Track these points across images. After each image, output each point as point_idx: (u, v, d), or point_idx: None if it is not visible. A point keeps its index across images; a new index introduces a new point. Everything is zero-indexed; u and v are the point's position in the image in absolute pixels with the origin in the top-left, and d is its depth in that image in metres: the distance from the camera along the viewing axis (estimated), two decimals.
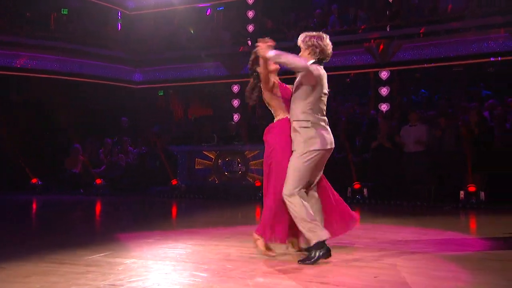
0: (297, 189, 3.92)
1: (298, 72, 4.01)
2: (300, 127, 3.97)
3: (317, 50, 4.03)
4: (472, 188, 8.20)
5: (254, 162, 10.39)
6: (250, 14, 14.34)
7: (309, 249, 3.92)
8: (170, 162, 11.20)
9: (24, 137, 12.24)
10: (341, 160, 9.63)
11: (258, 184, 9.88)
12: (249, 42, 14.13)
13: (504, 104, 10.11)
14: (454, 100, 11.26)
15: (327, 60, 4.13)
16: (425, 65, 12.01)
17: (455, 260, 4.14)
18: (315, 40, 4.05)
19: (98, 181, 11.29)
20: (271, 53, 3.89)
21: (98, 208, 9.25)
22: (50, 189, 11.57)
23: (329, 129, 4.07)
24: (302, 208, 3.89)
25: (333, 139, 4.09)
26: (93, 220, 7.89)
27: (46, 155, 12.24)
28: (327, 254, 3.89)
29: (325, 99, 4.08)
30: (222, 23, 15.52)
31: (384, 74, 12.33)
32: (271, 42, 3.98)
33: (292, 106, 4.06)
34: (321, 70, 4.04)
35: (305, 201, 3.97)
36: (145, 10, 15.46)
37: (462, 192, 8.27)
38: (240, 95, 14.23)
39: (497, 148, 8.78)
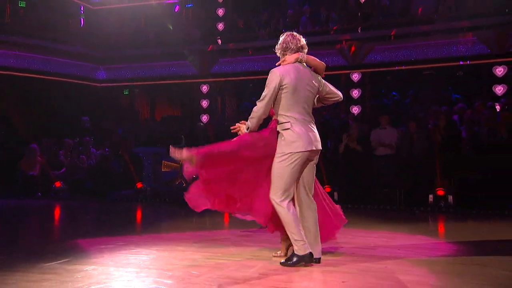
0: (284, 194, 3.95)
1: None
2: (281, 129, 4.01)
3: (294, 46, 4.11)
4: (441, 192, 8.42)
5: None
6: (220, 12, 14.33)
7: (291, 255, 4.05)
8: (135, 165, 11.06)
9: None
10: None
11: None
12: (219, 41, 14.13)
13: (473, 108, 10.44)
14: (425, 103, 11.56)
15: (305, 51, 4.16)
16: (396, 68, 12.29)
17: (423, 264, 4.24)
18: (280, 42, 4.17)
19: (58, 184, 11.03)
20: (247, 128, 4.12)
21: (57, 212, 9.04)
22: (4, 192, 11.22)
23: (314, 129, 4.07)
24: (288, 216, 3.94)
25: (318, 140, 4.09)
26: (51, 225, 7.70)
27: (0, 156, 11.86)
28: (308, 261, 4.00)
29: (306, 95, 4.06)
30: (191, 20, 15.45)
31: (355, 76, 12.55)
32: (238, 124, 4.24)
33: (274, 110, 4.12)
34: (281, 68, 4.06)
35: (297, 207, 4.09)
36: (110, 5, 15.21)
37: (431, 196, 8.47)
38: (209, 95, 14.20)
39: (466, 152, 9.04)
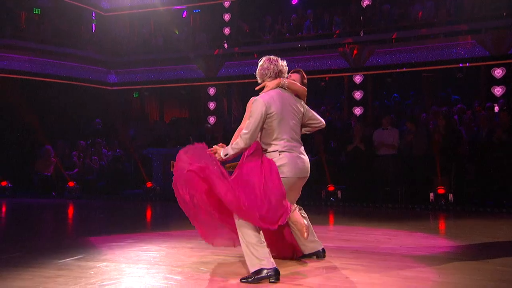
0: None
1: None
2: (272, 157, 3.72)
3: (272, 73, 3.88)
4: (441, 190, 8.39)
5: (229, 165, 10.36)
6: (227, 17, 14.36)
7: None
8: (145, 165, 11.09)
9: None
10: (315, 162, 9.74)
11: None
12: (226, 45, 14.16)
13: (472, 109, 10.39)
14: (425, 104, 11.52)
15: (285, 76, 3.94)
16: (397, 70, 12.26)
17: (424, 260, 4.23)
18: (265, 64, 3.91)
19: (71, 184, 11.08)
20: (224, 155, 3.74)
21: (70, 211, 9.08)
22: (20, 192, 11.30)
23: (303, 155, 3.83)
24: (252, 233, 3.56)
25: (307, 167, 3.84)
26: (65, 223, 7.74)
27: (16, 157, 11.95)
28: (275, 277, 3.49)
29: (293, 122, 3.81)
30: (198, 25, 15.49)
31: (357, 79, 12.52)
32: (216, 147, 3.81)
33: (260, 138, 3.82)
34: (266, 95, 3.78)
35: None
36: (120, 11, 15.30)
37: (431, 194, 8.44)
38: (216, 97, 14.23)
39: (465, 152, 9.00)
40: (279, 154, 3.72)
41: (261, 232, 3.64)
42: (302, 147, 3.89)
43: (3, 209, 9.36)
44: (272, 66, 3.90)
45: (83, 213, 8.94)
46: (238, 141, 3.71)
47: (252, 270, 3.49)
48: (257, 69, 3.97)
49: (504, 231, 5.92)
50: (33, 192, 11.34)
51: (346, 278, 3.62)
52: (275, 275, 3.46)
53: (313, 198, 8.99)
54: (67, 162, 11.93)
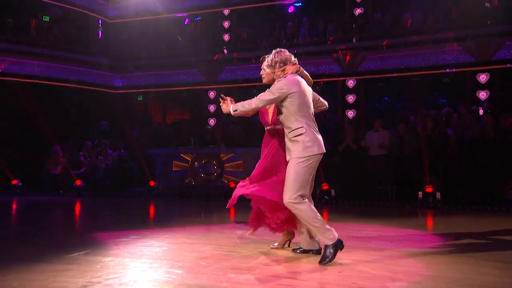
0: (302, 196, 3.80)
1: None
2: (296, 135, 3.85)
3: (281, 63, 4.02)
4: (429, 189, 8.40)
5: (229, 164, 10.39)
6: (226, 24, 14.37)
7: (324, 248, 3.87)
8: (149, 164, 11.08)
9: (5, 139, 11.90)
10: None
11: (232, 185, 9.87)
12: (225, 51, 14.16)
13: (458, 112, 10.41)
14: (414, 107, 11.54)
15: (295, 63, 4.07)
16: (388, 75, 12.28)
17: (414, 255, 4.23)
18: (274, 57, 4.05)
19: (78, 182, 11.05)
20: (233, 110, 3.94)
21: (77, 208, 9.06)
22: (30, 190, 11.27)
23: (319, 133, 3.97)
24: (310, 212, 3.80)
25: (322, 143, 4.00)
26: (72, 220, 7.72)
27: (26, 157, 11.92)
28: (341, 246, 3.85)
29: (309, 101, 3.97)
30: (199, 32, 15.49)
31: (350, 83, 12.54)
32: (229, 99, 4.01)
33: (281, 119, 3.96)
34: (290, 78, 3.94)
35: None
36: (125, 18, 15.30)
37: (420, 193, 8.45)
38: (216, 100, 14.23)
39: (452, 153, 9.01)
40: (304, 132, 3.84)
41: None
42: (317, 126, 4.02)
43: (14, 206, 9.33)
44: (289, 56, 4.08)
45: (90, 210, 8.92)
46: (251, 102, 3.88)
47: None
48: (274, 59, 4.04)
49: (489, 227, 5.93)
50: (42, 190, 11.31)
51: (339, 272, 3.62)
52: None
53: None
54: (74, 162, 11.91)
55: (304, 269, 3.75)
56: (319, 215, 3.83)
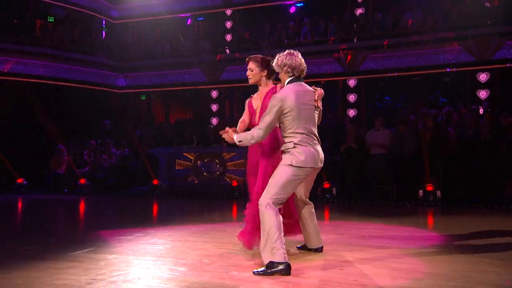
0: (279, 201, 3.61)
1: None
2: (286, 148, 3.68)
3: (289, 68, 3.75)
4: (430, 188, 8.37)
5: (231, 163, 10.39)
6: (228, 24, 14.36)
7: (268, 264, 3.49)
8: (152, 163, 11.08)
9: (10, 139, 11.93)
10: None
11: (235, 184, 9.88)
12: (227, 51, 14.15)
13: (459, 111, 10.39)
14: (415, 107, 11.51)
15: (304, 74, 3.82)
16: (389, 74, 12.25)
17: (414, 253, 4.23)
18: (285, 59, 3.78)
19: (82, 181, 11.07)
20: (238, 140, 3.69)
21: (81, 207, 9.08)
22: (35, 188, 11.29)
23: (318, 146, 3.76)
24: (276, 222, 3.52)
25: (322, 158, 3.79)
26: (76, 218, 7.73)
27: (31, 156, 11.95)
28: (286, 271, 3.46)
29: (305, 115, 3.69)
30: (202, 32, 15.48)
31: (351, 82, 12.52)
32: (232, 131, 3.75)
33: (281, 129, 3.79)
34: (284, 91, 3.69)
35: (297, 207, 4.08)
36: (129, 19, 15.31)
37: (420, 191, 8.43)
38: (218, 100, 14.22)
39: (452, 151, 8.99)
40: (294, 146, 3.65)
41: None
42: (318, 140, 3.81)
43: (19, 205, 9.36)
44: (292, 62, 3.77)
45: (94, 209, 8.93)
46: (254, 134, 3.66)
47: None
48: (279, 59, 3.82)
49: (489, 226, 5.91)
50: (47, 189, 11.33)
51: (340, 269, 3.62)
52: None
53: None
54: (78, 161, 11.93)
55: (306, 266, 3.74)
56: (282, 233, 3.53)
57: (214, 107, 14.11)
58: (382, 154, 9.19)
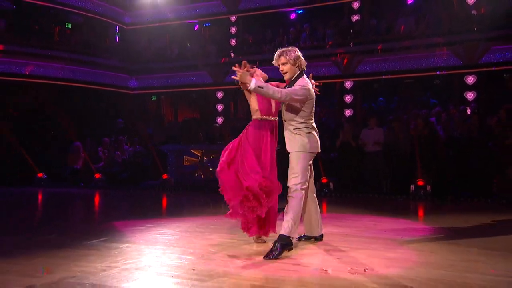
0: (305, 183, 3.83)
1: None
2: (299, 133, 3.84)
3: (301, 61, 3.90)
4: (420, 182, 8.36)
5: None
6: (233, 30, 14.34)
7: (274, 242, 3.68)
8: (161, 159, 11.10)
9: (31, 136, 11.98)
10: None
11: None
12: (232, 54, 14.13)
13: (448, 111, 10.35)
14: (407, 107, 11.48)
15: (304, 69, 3.97)
16: (383, 77, 12.22)
17: (406, 243, 4.22)
18: (297, 53, 3.91)
19: (97, 175, 11.10)
20: (252, 84, 3.63)
21: (96, 199, 9.11)
22: (54, 182, 11.34)
23: (318, 134, 3.99)
24: (301, 203, 3.78)
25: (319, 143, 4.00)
26: (92, 210, 7.76)
27: (50, 152, 11.99)
28: (290, 246, 3.73)
29: (313, 105, 3.94)
30: (208, 37, 15.47)
31: (348, 84, 12.49)
32: (249, 68, 3.81)
33: (290, 112, 3.87)
34: (309, 86, 3.88)
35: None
36: (140, 25, 15.31)
37: (412, 186, 8.42)
38: (223, 100, 14.21)
39: (442, 149, 8.96)
40: (310, 131, 3.86)
41: None
42: None
43: (39, 197, 9.40)
44: (300, 55, 3.94)
45: (108, 201, 8.96)
46: (281, 92, 3.65)
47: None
48: (291, 52, 3.91)
49: (476, 218, 5.90)
50: (65, 183, 11.37)
51: (338, 259, 3.62)
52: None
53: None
54: (94, 157, 11.95)
55: (305, 255, 3.75)
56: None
57: (220, 107, 14.11)
58: (376, 151, 9.18)
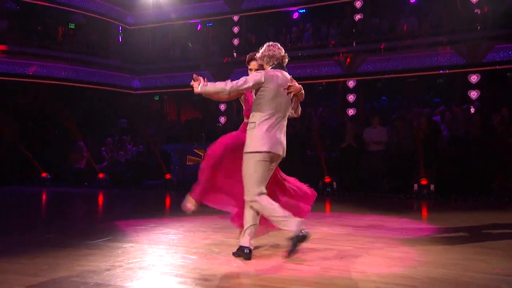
0: (259, 190, 3.44)
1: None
2: (251, 128, 3.48)
3: (268, 58, 3.64)
4: (424, 182, 8.34)
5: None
6: (236, 29, 14.34)
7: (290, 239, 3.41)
8: (164, 159, 11.11)
9: (35, 136, 12.03)
10: (314, 157, 9.73)
11: None
12: (235, 54, 14.14)
13: (451, 110, 10.32)
14: (410, 106, 11.45)
15: (286, 62, 3.69)
16: (386, 76, 12.20)
17: (409, 242, 4.21)
18: (264, 51, 3.69)
19: (101, 175, 11.13)
20: (199, 87, 3.46)
21: (100, 199, 9.13)
22: (57, 182, 11.38)
23: (281, 134, 3.50)
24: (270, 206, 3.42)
25: (284, 146, 3.52)
26: (95, 209, 7.78)
27: (54, 152, 12.04)
28: (305, 238, 3.36)
29: (280, 101, 3.50)
30: (211, 37, 15.48)
31: (351, 83, 12.47)
32: (198, 79, 3.48)
33: (253, 108, 3.58)
34: (269, 72, 3.55)
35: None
36: (143, 25, 15.34)
37: (415, 185, 8.39)
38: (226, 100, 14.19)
39: (445, 148, 8.94)
40: (255, 126, 3.45)
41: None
42: (284, 129, 3.57)
43: (43, 197, 9.44)
44: (278, 50, 3.67)
45: (111, 201, 8.98)
46: (222, 85, 3.43)
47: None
48: (260, 53, 3.70)
49: (479, 218, 5.88)
50: (68, 182, 11.41)
51: (341, 258, 3.61)
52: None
53: (312, 187, 8.95)
54: (97, 157, 11.98)
55: (307, 255, 3.74)
56: (277, 206, 3.43)
57: (222, 107, 14.12)
58: (379, 151, 9.16)
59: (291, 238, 3.37)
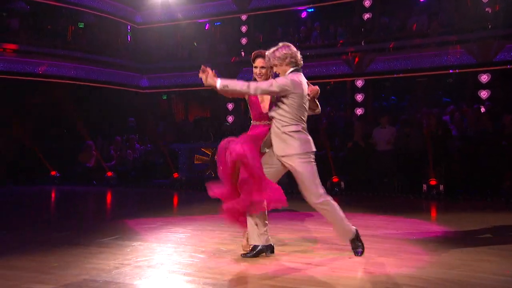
0: (323, 192, 3.53)
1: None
2: (294, 130, 3.45)
3: (292, 58, 3.51)
4: (433, 182, 8.27)
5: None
6: (244, 28, 14.34)
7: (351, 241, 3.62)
8: (172, 158, 11.15)
9: (44, 135, 12.14)
10: (321, 157, 9.66)
11: None
12: (243, 53, 14.15)
13: (461, 110, 10.23)
14: (419, 106, 11.37)
15: (301, 65, 3.59)
16: (394, 75, 12.12)
17: (418, 243, 4.19)
18: (285, 50, 3.53)
19: (109, 173, 11.19)
20: (218, 84, 3.38)
21: (108, 197, 9.20)
22: (67, 180, 11.48)
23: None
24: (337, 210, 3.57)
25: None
26: (104, 208, 7.84)
27: (63, 151, 12.14)
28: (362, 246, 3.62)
29: (306, 105, 3.55)
30: (219, 36, 15.50)
31: (359, 83, 12.41)
32: (210, 71, 3.40)
33: (276, 114, 3.51)
34: (295, 78, 3.46)
35: None
36: (151, 24, 15.40)
37: (424, 185, 8.33)
38: (234, 99, 14.22)
39: (455, 148, 8.86)
40: (301, 129, 3.48)
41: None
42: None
43: (52, 195, 9.53)
44: (299, 56, 3.56)
45: (120, 199, 9.04)
46: (249, 85, 3.35)
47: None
48: (277, 51, 3.54)
49: (489, 218, 5.82)
50: (77, 181, 11.51)
51: (349, 258, 3.60)
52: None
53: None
54: (105, 155, 12.06)
55: (316, 255, 3.74)
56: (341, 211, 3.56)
57: (230, 106, 14.13)
58: (388, 150, 9.11)
59: (352, 240, 3.62)
